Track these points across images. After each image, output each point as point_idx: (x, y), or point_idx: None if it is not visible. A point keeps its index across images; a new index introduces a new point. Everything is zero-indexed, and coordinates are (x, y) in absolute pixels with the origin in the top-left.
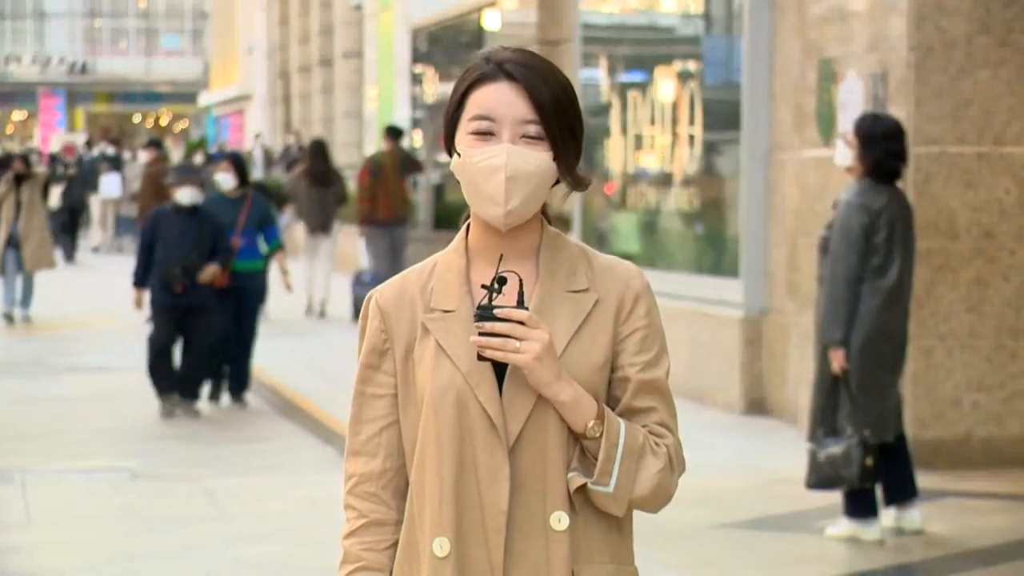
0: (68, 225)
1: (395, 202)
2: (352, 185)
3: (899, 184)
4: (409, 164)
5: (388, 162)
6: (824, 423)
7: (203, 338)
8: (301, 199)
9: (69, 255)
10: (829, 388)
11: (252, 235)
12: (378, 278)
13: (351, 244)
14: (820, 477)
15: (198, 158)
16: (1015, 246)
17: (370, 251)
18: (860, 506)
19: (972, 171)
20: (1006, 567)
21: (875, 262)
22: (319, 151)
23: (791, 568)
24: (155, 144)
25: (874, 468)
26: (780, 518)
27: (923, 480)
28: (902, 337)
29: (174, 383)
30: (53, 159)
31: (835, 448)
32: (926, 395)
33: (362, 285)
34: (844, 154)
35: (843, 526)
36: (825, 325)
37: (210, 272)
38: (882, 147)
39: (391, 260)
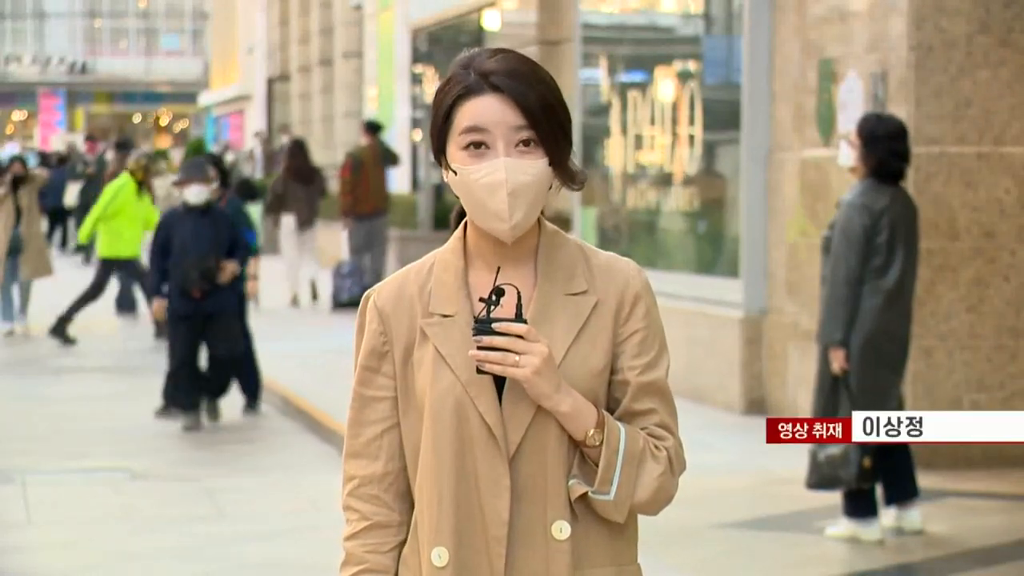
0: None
1: (376, 196)
2: (333, 183)
3: (902, 184)
4: (388, 157)
5: (368, 157)
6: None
7: (229, 346)
8: (287, 196)
9: (88, 256)
10: (830, 388)
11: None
12: (358, 268)
13: (330, 238)
14: (820, 477)
15: (229, 156)
16: (1015, 246)
17: (351, 243)
18: (860, 506)
19: (972, 171)
20: (1006, 567)
21: (876, 262)
22: (299, 150)
23: (791, 568)
24: (122, 146)
25: (872, 469)
26: (780, 518)
27: (923, 480)
28: (904, 337)
29: (197, 397)
30: (44, 158)
31: (834, 448)
32: (926, 395)
33: (341, 276)
34: (847, 154)
35: (843, 526)
36: (824, 325)
37: (230, 270)
38: (885, 147)
39: (370, 250)
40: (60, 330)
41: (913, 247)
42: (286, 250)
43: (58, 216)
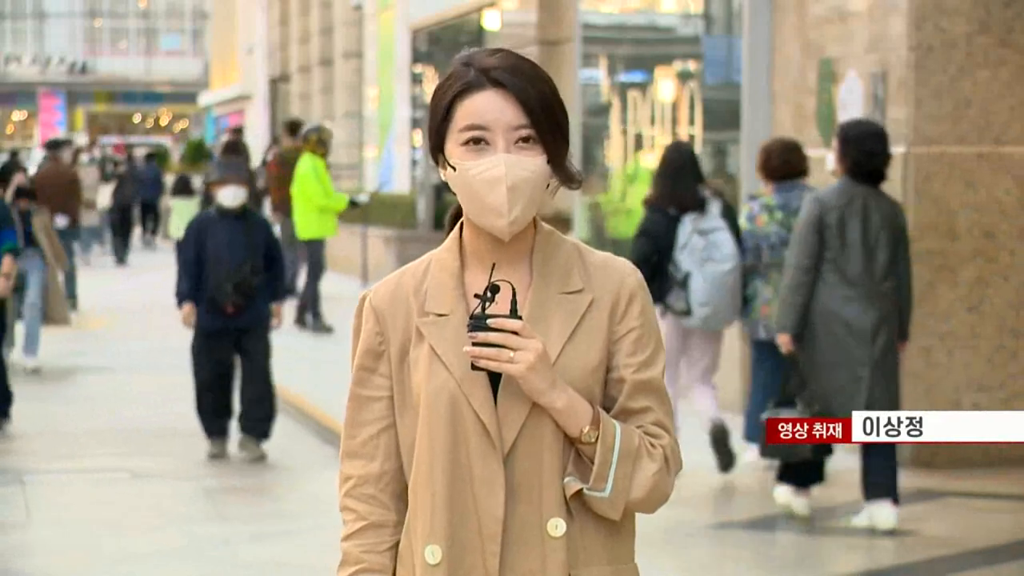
0: (119, 226)
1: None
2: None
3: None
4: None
5: (295, 157)
6: (778, 395)
7: (265, 363)
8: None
9: (121, 257)
10: (786, 368)
11: None
12: (294, 260)
13: None
14: (775, 448)
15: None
16: (1015, 246)
17: (283, 235)
18: (804, 476)
19: (972, 171)
20: (1007, 567)
21: (829, 255)
22: (233, 149)
23: (790, 568)
24: (51, 146)
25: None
26: (780, 518)
27: (923, 480)
28: (865, 327)
29: (226, 422)
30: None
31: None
32: (926, 395)
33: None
34: (831, 157)
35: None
36: (779, 312)
37: (278, 316)
38: (859, 148)
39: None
40: (319, 324)
41: (878, 245)
42: None
43: (150, 209)
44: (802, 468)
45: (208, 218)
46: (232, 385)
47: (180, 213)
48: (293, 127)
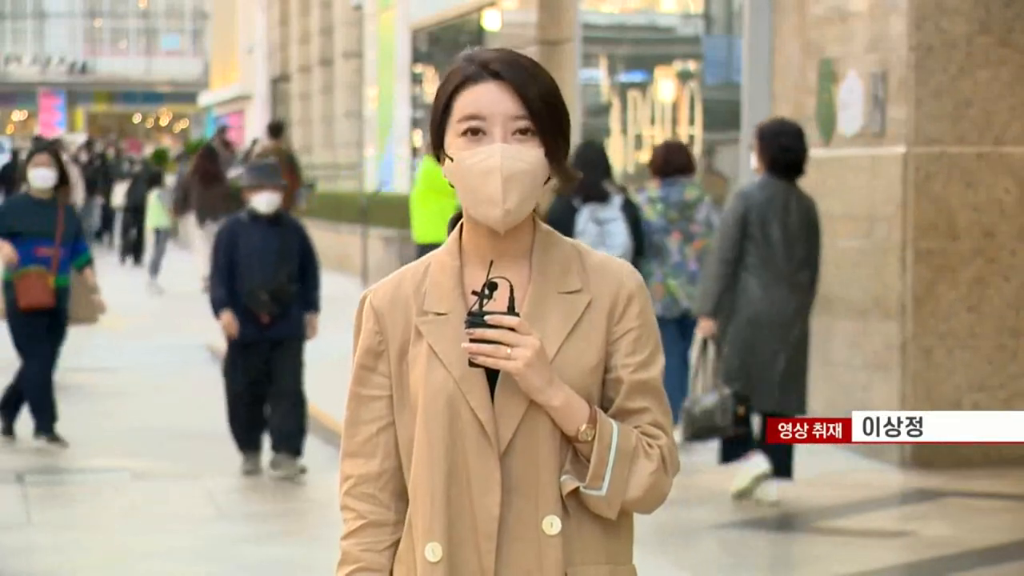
0: (131, 225)
1: (285, 193)
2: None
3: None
4: (294, 165)
5: (276, 157)
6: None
7: (298, 376)
8: (193, 194)
9: (125, 256)
10: (700, 351)
11: (71, 246)
12: None
13: None
14: (697, 429)
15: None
16: (1015, 246)
17: None
18: (736, 451)
19: (972, 171)
20: (1007, 567)
21: (753, 249)
22: (208, 155)
23: (790, 568)
24: (38, 141)
25: (746, 417)
26: (778, 518)
27: (923, 480)
28: (783, 318)
29: (259, 434)
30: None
31: (709, 400)
32: (926, 395)
33: None
34: (751, 155)
35: (740, 478)
36: (699, 297)
37: (313, 327)
38: (777, 146)
39: None
40: None
41: (797, 240)
42: (197, 244)
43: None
44: (777, 457)
45: (239, 222)
46: (264, 398)
47: (154, 205)
48: (275, 129)
